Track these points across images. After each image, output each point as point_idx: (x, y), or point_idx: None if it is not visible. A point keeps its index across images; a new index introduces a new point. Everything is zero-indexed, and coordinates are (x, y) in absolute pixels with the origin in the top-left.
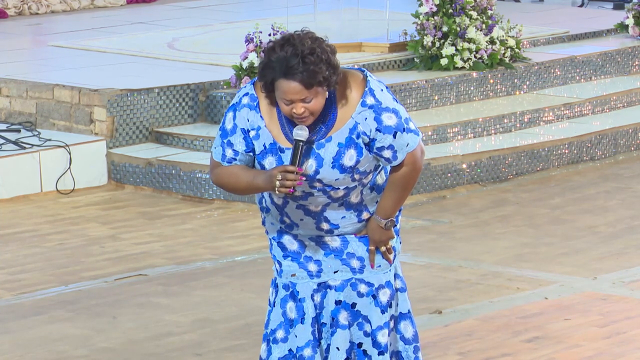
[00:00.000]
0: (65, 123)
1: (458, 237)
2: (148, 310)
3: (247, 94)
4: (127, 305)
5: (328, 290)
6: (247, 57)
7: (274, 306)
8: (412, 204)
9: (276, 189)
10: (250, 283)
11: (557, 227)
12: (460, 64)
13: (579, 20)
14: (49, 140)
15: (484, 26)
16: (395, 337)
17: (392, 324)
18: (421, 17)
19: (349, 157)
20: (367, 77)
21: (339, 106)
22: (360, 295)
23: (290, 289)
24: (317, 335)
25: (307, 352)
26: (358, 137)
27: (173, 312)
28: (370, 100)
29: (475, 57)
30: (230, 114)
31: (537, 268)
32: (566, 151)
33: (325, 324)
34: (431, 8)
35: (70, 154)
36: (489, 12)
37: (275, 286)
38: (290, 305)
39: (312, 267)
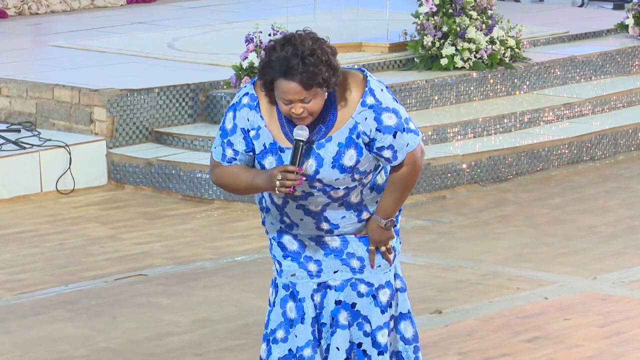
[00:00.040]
0: (65, 123)
1: (458, 237)
2: (148, 310)
3: (247, 93)
4: (127, 305)
5: (328, 290)
6: (247, 57)
7: (274, 306)
8: (412, 204)
9: (276, 188)
10: (250, 283)
11: (557, 227)
12: (460, 64)
13: (579, 20)
14: (49, 140)
15: (484, 26)
16: (395, 337)
17: (392, 324)
18: (421, 17)
19: (349, 157)
20: (367, 77)
21: (339, 106)
22: (360, 295)
23: (290, 289)
24: (317, 335)
25: (307, 352)
26: (358, 137)
27: (173, 312)
28: (370, 100)
29: (475, 57)
30: (230, 114)
31: (537, 268)
32: (566, 151)
33: (325, 324)
34: (431, 8)
35: (70, 154)
36: (489, 12)
37: (275, 286)
38: (290, 305)
39: (312, 267)
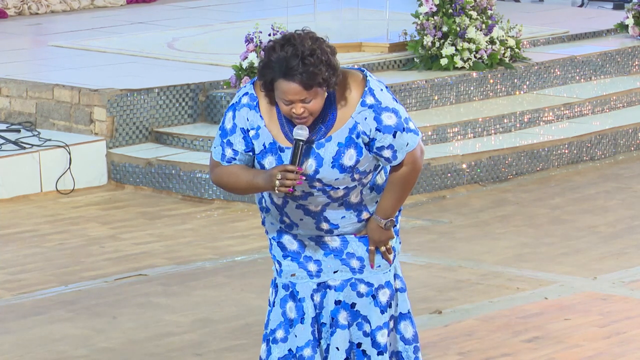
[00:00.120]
0: (65, 123)
1: (458, 237)
2: (148, 310)
3: (246, 93)
4: (127, 305)
5: (328, 290)
6: (247, 57)
7: (274, 306)
8: (412, 204)
9: (276, 188)
10: (250, 283)
11: (557, 227)
12: (460, 64)
13: (579, 20)
14: (49, 140)
15: (483, 26)
16: (395, 337)
17: (391, 324)
18: (421, 17)
19: (349, 157)
20: (366, 76)
21: (339, 106)
22: (359, 295)
23: (290, 289)
24: (316, 335)
25: (307, 352)
26: (358, 136)
27: (173, 312)
28: (370, 100)
29: (475, 57)
30: (229, 114)
31: (537, 268)
32: (566, 151)
33: (325, 323)
34: (431, 8)
35: (70, 154)
36: (489, 12)
37: (275, 286)
38: (290, 305)
39: (312, 267)
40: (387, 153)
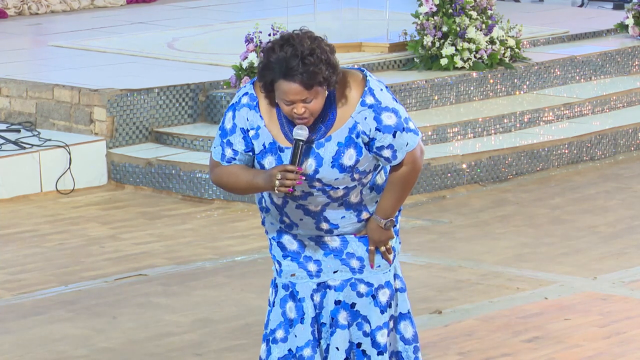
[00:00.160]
0: (65, 123)
1: (458, 237)
2: (148, 310)
3: (246, 93)
4: (127, 305)
5: (327, 290)
6: (247, 57)
7: (274, 306)
8: (412, 204)
9: (276, 188)
10: (250, 283)
11: (557, 227)
12: (460, 64)
13: (579, 20)
14: (49, 140)
15: (483, 26)
16: (395, 337)
17: (391, 324)
18: (421, 17)
19: (349, 157)
20: (366, 76)
21: (339, 106)
22: (359, 295)
23: (290, 289)
24: (316, 335)
25: (307, 352)
26: (357, 136)
27: (173, 312)
28: (369, 100)
29: (475, 57)
30: (229, 114)
31: (537, 268)
32: (566, 151)
33: (325, 323)
34: (431, 8)
35: (70, 154)
36: (489, 12)
37: (275, 286)
38: (290, 305)
39: (312, 267)
40: (386, 153)
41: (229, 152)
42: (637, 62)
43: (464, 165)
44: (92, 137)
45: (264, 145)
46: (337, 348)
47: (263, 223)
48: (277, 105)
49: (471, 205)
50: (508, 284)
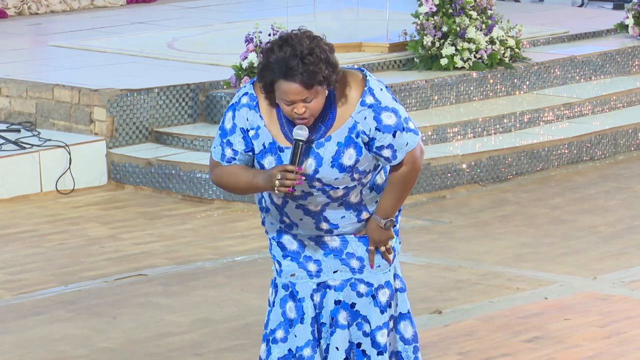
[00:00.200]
0: (65, 123)
1: (458, 237)
2: (148, 310)
3: (246, 93)
4: (127, 305)
5: (327, 290)
6: (247, 57)
7: (274, 306)
8: (412, 204)
9: (276, 188)
10: (250, 283)
11: (557, 227)
12: (460, 64)
13: (579, 20)
14: (49, 140)
15: (483, 26)
16: (394, 337)
17: (391, 324)
18: (421, 17)
19: (349, 157)
20: (366, 76)
21: (339, 105)
22: (359, 295)
23: (290, 289)
24: (316, 335)
25: (307, 352)
26: (357, 136)
27: (173, 312)
28: (369, 100)
29: (475, 57)
30: (229, 114)
31: (537, 268)
32: (566, 151)
33: (325, 323)
34: (431, 8)
35: (70, 154)
36: (489, 12)
37: (275, 286)
38: (290, 305)
39: (312, 266)
40: (386, 153)
41: (228, 152)
42: (637, 62)
43: (464, 165)
44: (92, 137)
45: (263, 145)
46: (337, 348)
47: (263, 223)
48: (277, 105)
49: (471, 205)
50: (508, 284)
